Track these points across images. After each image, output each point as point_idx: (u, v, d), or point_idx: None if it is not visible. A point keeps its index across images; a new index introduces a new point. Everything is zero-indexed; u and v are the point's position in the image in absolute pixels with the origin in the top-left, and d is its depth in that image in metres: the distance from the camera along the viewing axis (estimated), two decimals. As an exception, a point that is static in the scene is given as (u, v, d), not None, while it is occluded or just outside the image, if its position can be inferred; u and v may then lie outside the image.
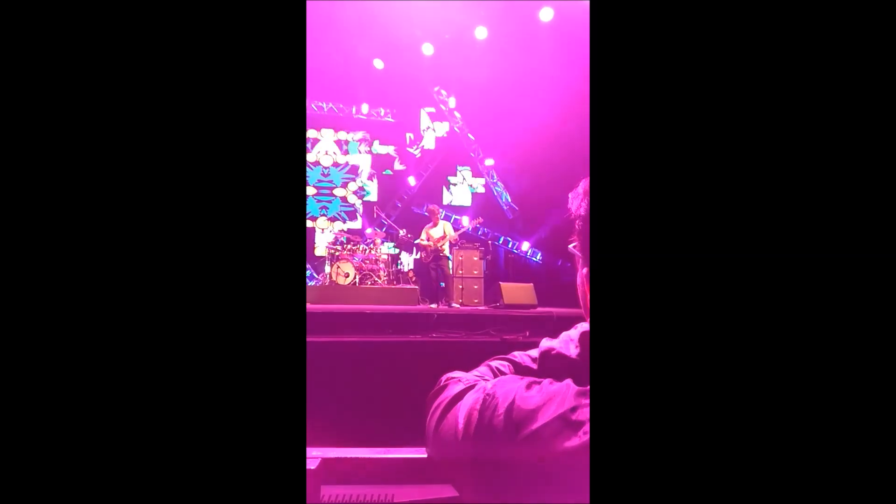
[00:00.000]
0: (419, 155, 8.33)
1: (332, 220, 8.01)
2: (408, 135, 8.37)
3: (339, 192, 8.19)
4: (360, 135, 8.26)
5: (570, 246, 0.55)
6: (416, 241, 5.85)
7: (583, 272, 0.53)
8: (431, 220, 5.71)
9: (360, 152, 8.26)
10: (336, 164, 8.24)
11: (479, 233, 6.04)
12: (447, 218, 7.35)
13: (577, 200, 0.52)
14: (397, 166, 8.34)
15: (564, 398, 0.44)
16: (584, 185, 0.52)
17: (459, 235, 5.85)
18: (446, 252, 5.57)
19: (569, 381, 0.46)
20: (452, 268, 5.75)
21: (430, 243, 5.51)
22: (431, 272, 5.58)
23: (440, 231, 5.57)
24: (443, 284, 5.70)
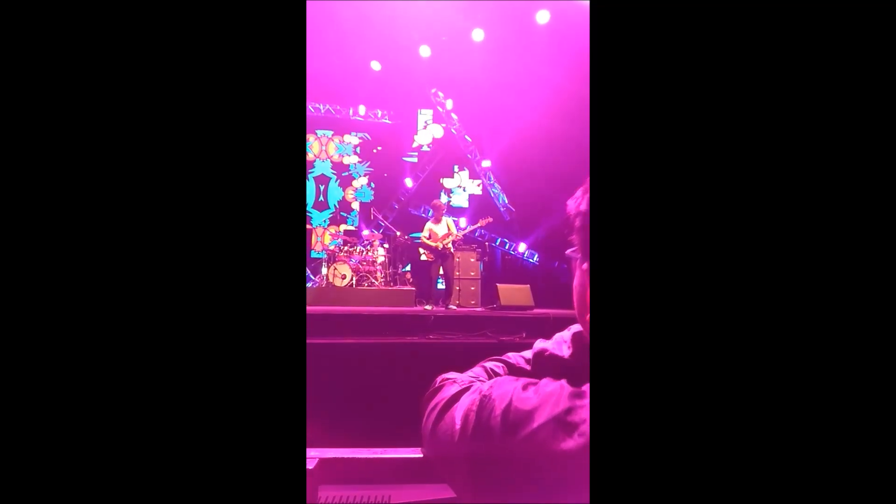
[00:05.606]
0: (416, 160, 8.33)
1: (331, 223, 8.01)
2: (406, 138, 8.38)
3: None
4: (357, 136, 8.26)
5: (569, 251, 0.55)
6: (418, 240, 5.58)
7: (583, 267, 0.52)
8: (435, 215, 5.45)
9: (356, 154, 8.26)
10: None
11: (476, 234, 5.99)
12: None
13: (576, 201, 0.52)
14: (394, 167, 8.34)
15: (559, 400, 0.44)
16: (583, 187, 0.52)
17: (464, 236, 5.68)
18: (451, 250, 5.31)
19: (563, 381, 0.47)
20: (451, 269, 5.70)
21: (437, 244, 5.24)
22: (436, 272, 5.37)
23: (444, 228, 5.29)
24: (442, 287, 5.59)
